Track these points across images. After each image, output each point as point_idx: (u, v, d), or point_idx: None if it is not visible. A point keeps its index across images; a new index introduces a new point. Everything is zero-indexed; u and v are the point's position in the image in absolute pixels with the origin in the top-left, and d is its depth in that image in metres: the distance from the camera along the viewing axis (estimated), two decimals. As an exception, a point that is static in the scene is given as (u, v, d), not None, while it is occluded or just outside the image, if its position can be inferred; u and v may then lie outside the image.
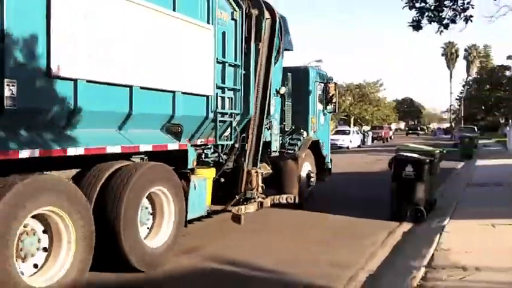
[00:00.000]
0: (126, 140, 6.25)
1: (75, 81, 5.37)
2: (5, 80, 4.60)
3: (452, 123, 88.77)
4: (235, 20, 8.62)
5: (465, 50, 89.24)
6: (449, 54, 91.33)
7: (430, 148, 11.38)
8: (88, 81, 5.51)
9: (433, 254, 6.69)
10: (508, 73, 49.26)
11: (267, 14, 9.42)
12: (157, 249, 6.53)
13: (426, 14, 13.25)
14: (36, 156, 4.95)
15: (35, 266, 5.08)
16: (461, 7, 13.15)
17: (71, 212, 5.20)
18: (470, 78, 77.00)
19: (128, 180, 5.95)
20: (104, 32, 5.71)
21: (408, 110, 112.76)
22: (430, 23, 13.42)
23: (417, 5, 13.20)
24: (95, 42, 5.57)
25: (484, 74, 58.52)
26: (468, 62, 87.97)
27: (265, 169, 9.80)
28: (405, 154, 10.41)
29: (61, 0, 5.08)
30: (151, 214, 6.65)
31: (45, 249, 5.17)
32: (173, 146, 6.94)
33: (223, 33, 8.24)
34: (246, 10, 8.87)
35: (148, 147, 6.54)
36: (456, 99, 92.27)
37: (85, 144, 5.56)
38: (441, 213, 10.00)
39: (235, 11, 8.61)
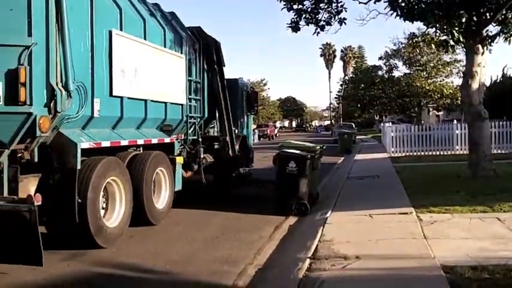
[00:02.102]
0: (143, 135, 9.22)
1: (121, 98, 8.27)
2: (95, 99, 7.48)
3: (332, 121, 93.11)
4: (196, 50, 11.85)
5: (341, 51, 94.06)
6: (328, 55, 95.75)
7: (312, 144, 11.85)
8: (128, 98, 8.43)
9: (317, 246, 6.97)
10: (380, 73, 52.38)
11: (213, 43, 12.46)
12: (160, 209, 9.42)
13: (304, 16, 13.82)
14: (108, 146, 7.88)
15: (104, 215, 7.64)
16: (335, 10, 13.82)
17: (123, 181, 7.99)
18: (347, 77, 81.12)
19: (145, 163, 8.77)
20: (135, 65, 8.62)
21: (291, 108, 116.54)
22: (308, 24, 13.98)
23: (295, 7, 13.71)
24: (131, 72, 8.50)
25: (359, 73, 61.77)
26: (344, 63, 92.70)
27: (209, 158, 12.37)
28: (288, 151, 10.71)
29: (117, 54, 7.97)
30: (154, 186, 9.25)
31: (107, 204, 7.82)
32: (167, 140, 10.01)
33: (189, 60, 11.35)
34: (202, 42, 12.06)
35: (155, 140, 9.53)
36: (335, 97, 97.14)
37: (127, 138, 8.56)
38: (324, 206, 10.46)
39: (196, 43, 11.85)
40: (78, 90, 7.07)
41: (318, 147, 11.36)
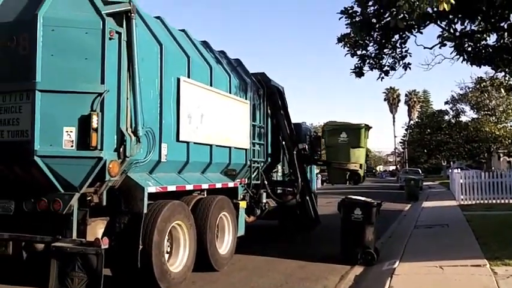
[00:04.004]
0: (207, 180, 9.33)
1: (188, 143, 8.47)
2: (162, 144, 7.68)
3: (398, 166, 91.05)
4: (260, 95, 12.08)
5: (406, 95, 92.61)
6: (392, 99, 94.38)
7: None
8: (194, 143, 8.61)
9: (385, 297, 6.70)
10: (446, 117, 51.24)
11: (277, 88, 12.77)
12: (223, 255, 9.35)
13: (367, 61, 13.77)
14: (174, 190, 8.03)
15: (168, 259, 7.61)
16: (399, 55, 13.70)
17: (188, 225, 8.02)
18: (412, 122, 79.69)
19: (209, 207, 8.78)
20: (201, 111, 8.84)
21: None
22: (372, 69, 13.92)
23: (358, 52, 13.69)
24: (197, 118, 8.72)
25: (424, 118, 60.63)
26: (409, 107, 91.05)
27: (271, 203, 12.32)
28: (353, 197, 10.51)
29: (184, 100, 8.25)
30: (217, 231, 9.23)
31: (171, 248, 7.85)
32: (231, 184, 10.05)
33: (254, 105, 11.56)
34: (266, 87, 12.29)
35: (219, 185, 9.60)
36: (400, 142, 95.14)
37: (192, 182, 8.69)
38: (391, 255, 10.10)
39: (260, 89, 12.10)
40: (147, 136, 7.30)
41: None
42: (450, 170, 40.43)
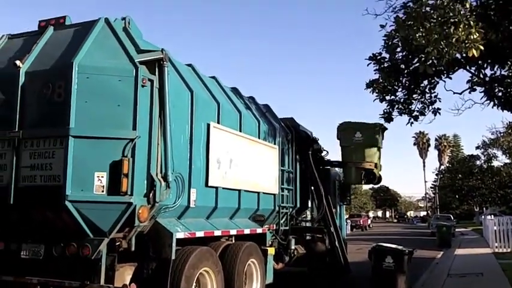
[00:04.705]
0: (235, 225, 9.25)
1: (216, 188, 8.46)
2: (191, 190, 7.69)
3: (429, 211, 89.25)
4: (289, 140, 12.10)
5: (436, 139, 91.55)
6: (421, 143, 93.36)
7: None
8: (222, 188, 8.60)
9: None
10: (478, 162, 50.37)
11: (306, 133, 12.94)
12: None
13: (396, 106, 13.72)
14: (202, 236, 7.96)
15: None
16: (428, 100, 13.62)
17: (215, 272, 7.88)
18: (442, 167, 78.50)
19: (237, 254, 8.69)
20: (230, 156, 8.87)
21: (384, 198, 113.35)
22: (401, 115, 13.81)
23: (387, 98, 13.66)
24: (226, 163, 8.74)
25: (455, 163, 59.77)
26: (439, 152, 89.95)
27: (300, 250, 12.18)
28: (384, 245, 10.31)
29: (214, 146, 8.29)
30: (245, 278, 9.04)
31: None
32: (259, 230, 9.95)
33: (282, 150, 11.56)
34: (294, 132, 12.29)
35: (248, 231, 9.48)
36: (431, 187, 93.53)
37: (220, 228, 8.60)
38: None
39: (288, 134, 12.15)
40: (176, 181, 7.33)
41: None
42: (483, 216, 39.43)
